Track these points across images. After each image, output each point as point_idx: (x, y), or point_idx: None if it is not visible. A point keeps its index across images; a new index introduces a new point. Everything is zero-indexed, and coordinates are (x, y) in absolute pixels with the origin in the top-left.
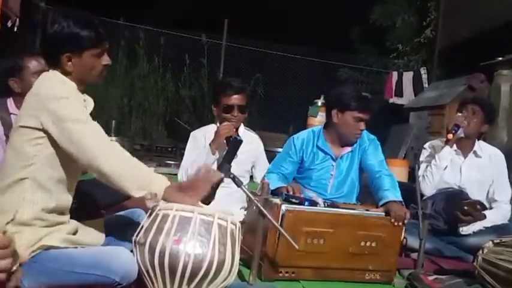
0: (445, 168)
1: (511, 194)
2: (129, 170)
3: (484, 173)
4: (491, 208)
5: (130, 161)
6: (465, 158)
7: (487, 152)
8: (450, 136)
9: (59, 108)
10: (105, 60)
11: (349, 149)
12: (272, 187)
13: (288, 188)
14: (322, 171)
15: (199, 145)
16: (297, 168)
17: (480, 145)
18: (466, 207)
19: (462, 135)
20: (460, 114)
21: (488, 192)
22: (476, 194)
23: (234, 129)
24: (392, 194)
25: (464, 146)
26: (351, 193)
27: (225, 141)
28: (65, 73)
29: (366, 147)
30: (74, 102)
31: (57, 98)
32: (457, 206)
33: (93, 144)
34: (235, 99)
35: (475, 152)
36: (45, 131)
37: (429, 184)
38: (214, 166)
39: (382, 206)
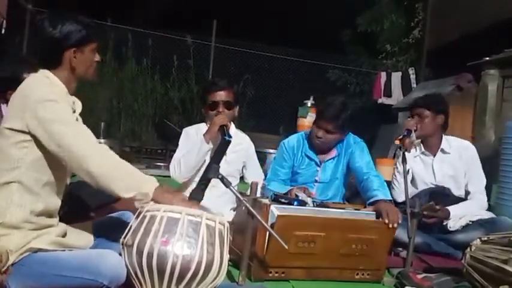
0: (407, 171)
1: (484, 184)
2: (118, 171)
3: (455, 168)
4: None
5: (119, 163)
6: (434, 156)
7: (456, 147)
8: (397, 142)
9: (46, 111)
10: (97, 56)
11: (333, 154)
12: (276, 190)
13: (297, 189)
14: (306, 176)
15: (192, 141)
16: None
17: (448, 141)
18: (425, 213)
19: (414, 138)
20: (409, 118)
21: (465, 185)
22: (453, 189)
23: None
24: (382, 193)
25: (431, 145)
26: (334, 197)
27: (218, 131)
28: (70, 69)
29: (352, 150)
30: (61, 105)
31: (45, 101)
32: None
33: (82, 146)
34: (220, 95)
35: (442, 150)
36: (32, 135)
37: (397, 191)
38: (208, 157)
39: (371, 204)
